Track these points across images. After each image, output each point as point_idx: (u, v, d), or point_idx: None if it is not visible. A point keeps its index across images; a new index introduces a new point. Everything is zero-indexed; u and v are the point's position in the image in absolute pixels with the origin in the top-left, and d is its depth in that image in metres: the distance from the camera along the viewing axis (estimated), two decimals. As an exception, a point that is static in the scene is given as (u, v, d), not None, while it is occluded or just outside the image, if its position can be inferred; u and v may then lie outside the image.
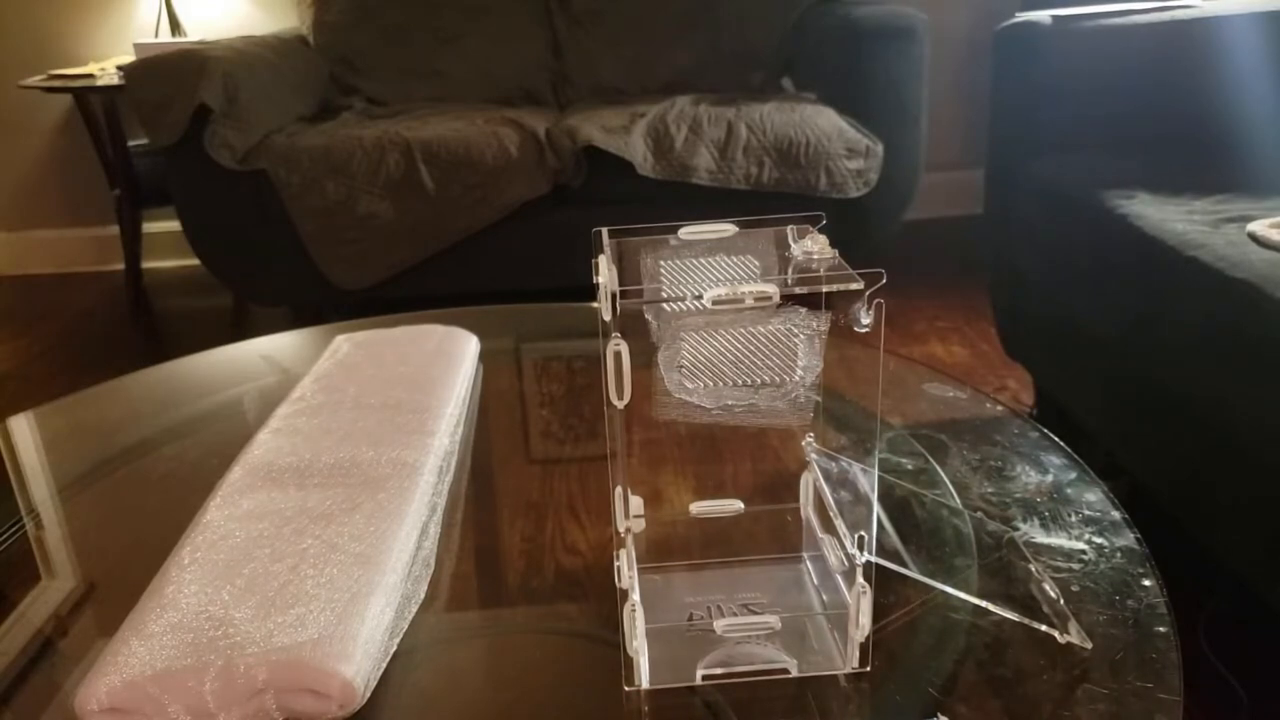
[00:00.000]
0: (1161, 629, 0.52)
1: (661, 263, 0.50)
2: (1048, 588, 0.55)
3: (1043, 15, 1.50)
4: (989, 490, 0.66)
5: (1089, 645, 0.50)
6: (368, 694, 0.49)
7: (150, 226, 2.78)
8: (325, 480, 0.65)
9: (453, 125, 2.08)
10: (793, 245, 0.49)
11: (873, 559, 0.48)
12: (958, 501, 0.65)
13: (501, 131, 2.03)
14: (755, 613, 0.54)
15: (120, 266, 2.73)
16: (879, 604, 0.50)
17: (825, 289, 0.45)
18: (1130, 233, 1.21)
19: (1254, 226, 1.12)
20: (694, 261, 0.50)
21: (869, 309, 0.44)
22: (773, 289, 0.44)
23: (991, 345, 2.04)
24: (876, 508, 0.51)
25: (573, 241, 2.05)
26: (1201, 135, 1.47)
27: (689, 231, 0.49)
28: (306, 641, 0.49)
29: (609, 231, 0.50)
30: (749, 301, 0.44)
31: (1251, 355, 1.00)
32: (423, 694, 0.51)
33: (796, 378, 0.49)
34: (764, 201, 2.04)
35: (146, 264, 2.76)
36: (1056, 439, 0.72)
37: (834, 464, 0.58)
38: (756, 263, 0.50)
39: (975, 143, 2.84)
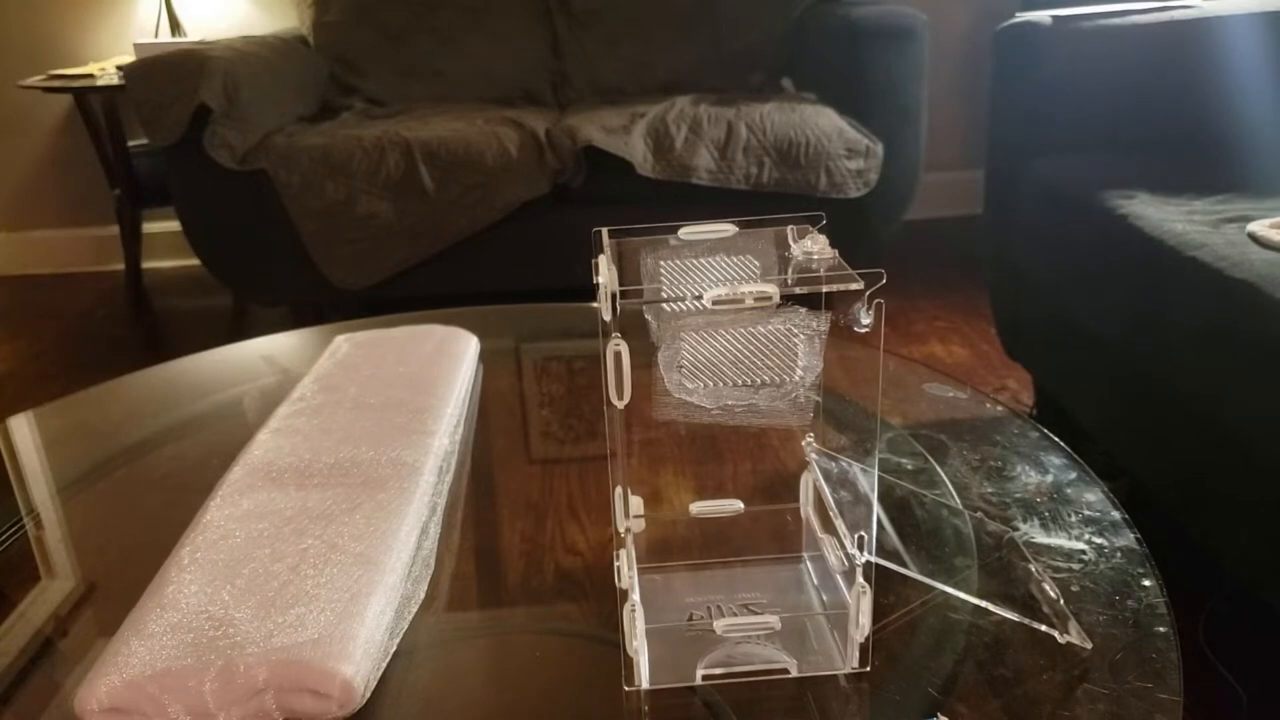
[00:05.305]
0: (1161, 629, 0.52)
1: (661, 263, 0.50)
2: (1048, 588, 0.54)
3: (1043, 15, 1.50)
4: (989, 490, 0.66)
5: (1089, 645, 0.50)
6: (368, 694, 0.49)
7: (150, 226, 2.78)
8: (325, 480, 0.65)
9: (453, 125, 2.08)
10: (793, 245, 0.49)
11: (873, 559, 0.48)
12: (958, 501, 0.65)
13: (501, 131, 2.03)
14: (755, 613, 0.54)
15: (120, 266, 2.73)
16: (879, 604, 0.50)
17: (825, 289, 0.45)
18: (1130, 233, 1.21)
19: (1254, 226, 1.12)
20: (694, 261, 0.50)
21: (869, 309, 0.44)
22: (773, 289, 0.44)
23: (991, 345, 2.04)
24: (876, 508, 0.51)
25: (573, 241, 2.05)
26: (1201, 135, 1.47)
27: (689, 231, 0.49)
28: (306, 641, 0.49)
29: (609, 231, 0.50)
30: (749, 301, 0.44)
31: (1251, 355, 1.00)
32: (423, 694, 0.51)
33: (796, 378, 0.49)
34: (764, 201, 2.04)
35: (146, 264, 2.76)
36: (1056, 439, 0.72)
37: (834, 464, 0.58)
38: (756, 263, 0.50)
39: (975, 143, 2.84)
